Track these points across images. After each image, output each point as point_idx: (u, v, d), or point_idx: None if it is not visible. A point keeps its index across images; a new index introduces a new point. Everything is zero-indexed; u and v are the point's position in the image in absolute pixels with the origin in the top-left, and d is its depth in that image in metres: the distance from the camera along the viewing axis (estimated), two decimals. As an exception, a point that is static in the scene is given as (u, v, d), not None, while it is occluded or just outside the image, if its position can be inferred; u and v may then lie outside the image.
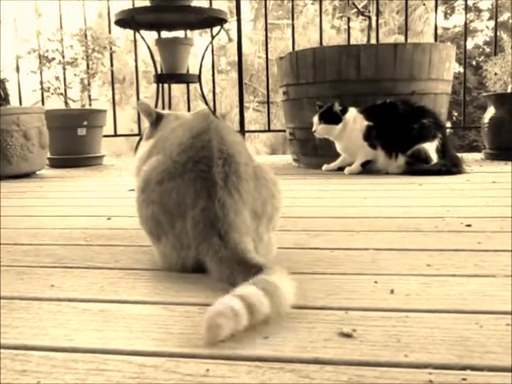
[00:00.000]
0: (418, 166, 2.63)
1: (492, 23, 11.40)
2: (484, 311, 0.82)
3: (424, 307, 0.84)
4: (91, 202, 2.15)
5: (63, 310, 0.87)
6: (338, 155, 2.92)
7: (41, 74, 3.92)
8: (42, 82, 3.92)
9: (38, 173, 3.23)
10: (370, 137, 2.74)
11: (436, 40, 4.14)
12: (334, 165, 2.93)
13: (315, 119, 2.83)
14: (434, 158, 2.66)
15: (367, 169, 2.80)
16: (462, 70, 4.53)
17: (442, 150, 2.68)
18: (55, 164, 3.66)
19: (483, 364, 0.65)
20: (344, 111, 2.78)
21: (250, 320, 0.74)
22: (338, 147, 2.87)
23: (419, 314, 0.82)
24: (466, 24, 4.59)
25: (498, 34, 4.35)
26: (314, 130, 2.83)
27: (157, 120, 1.38)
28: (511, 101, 3.26)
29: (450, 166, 2.64)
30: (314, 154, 3.15)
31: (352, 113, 2.79)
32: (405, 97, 2.85)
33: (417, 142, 2.66)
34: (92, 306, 0.89)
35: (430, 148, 2.66)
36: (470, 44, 12.00)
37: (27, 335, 0.77)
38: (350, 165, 2.84)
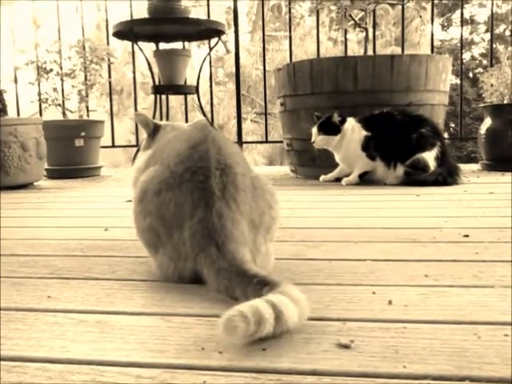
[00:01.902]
0: (415, 177, 2.63)
1: (488, 35, 11.48)
2: (482, 322, 0.82)
3: (422, 318, 0.84)
4: (88, 212, 2.15)
5: (60, 322, 0.86)
6: (335, 166, 2.92)
7: (39, 85, 3.93)
8: (39, 93, 3.93)
9: (35, 184, 3.22)
10: (368, 147, 2.74)
11: (432, 51, 4.17)
12: (331, 175, 2.93)
13: (314, 130, 2.84)
14: (432, 166, 2.66)
15: (366, 179, 2.80)
16: (459, 81, 4.55)
17: (442, 159, 2.69)
18: (53, 175, 3.66)
19: (481, 375, 0.65)
20: (343, 122, 2.78)
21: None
22: (337, 158, 2.87)
23: (417, 324, 0.81)
24: (462, 36, 4.63)
25: (494, 45, 4.38)
26: (312, 140, 2.83)
27: (154, 131, 1.38)
28: (508, 112, 3.27)
29: (445, 175, 2.63)
30: (312, 165, 3.16)
31: (350, 123, 2.79)
32: (402, 107, 2.86)
33: (416, 151, 2.67)
34: (88, 317, 0.88)
35: (429, 157, 2.67)
36: (467, 56, 12.07)
37: (23, 346, 0.77)
38: (347, 175, 2.84)
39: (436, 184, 2.57)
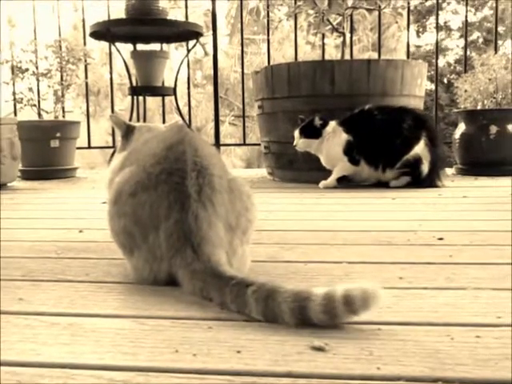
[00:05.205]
0: (408, 175, 2.69)
1: (462, 42, 11.66)
2: (455, 323, 0.83)
3: (396, 320, 0.85)
4: (63, 214, 2.12)
5: (31, 324, 0.85)
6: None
7: (13, 84, 3.87)
8: (14, 93, 3.87)
9: (9, 185, 3.17)
10: (350, 151, 2.75)
11: (408, 57, 4.22)
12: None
13: (296, 133, 2.85)
14: (424, 156, 2.68)
15: (351, 182, 2.81)
16: (434, 87, 4.62)
17: (432, 144, 2.71)
18: (27, 176, 3.60)
19: (454, 376, 0.66)
20: (324, 125, 2.80)
21: None
22: (321, 161, 2.88)
23: (391, 326, 0.82)
24: (437, 42, 4.70)
25: (468, 52, 4.46)
26: (294, 144, 2.84)
27: (129, 132, 1.37)
28: (481, 117, 3.33)
29: (434, 177, 2.70)
30: (289, 168, 3.17)
31: (331, 126, 2.80)
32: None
33: (403, 153, 2.69)
34: (61, 319, 0.87)
35: (418, 150, 2.69)
36: (441, 62, 12.25)
37: (-7, 350, 0.75)
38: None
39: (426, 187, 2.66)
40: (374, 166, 2.75)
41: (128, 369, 0.69)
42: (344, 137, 2.76)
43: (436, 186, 2.69)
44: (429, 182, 2.69)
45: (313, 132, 2.80)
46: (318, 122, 2.78)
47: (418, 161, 2.68)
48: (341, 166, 2.79)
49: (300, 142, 2.82)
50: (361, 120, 2.76)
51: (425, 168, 2.69)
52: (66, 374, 0.67)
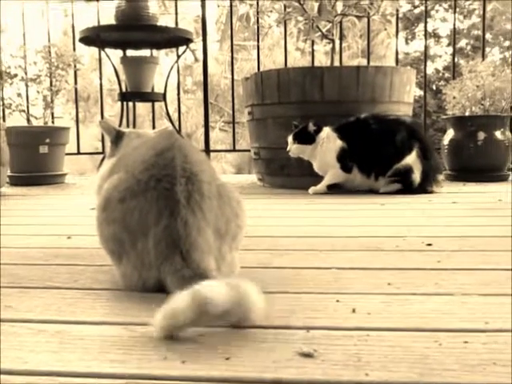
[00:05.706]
0: (400, 183, 2.71)
1: (450, 49, 11.75)
2: (443, 329, 0.83)
3: (385, 326, 0.85)
4: (52, 220, 2.10)
5: (18, 332, 0.84)
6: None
7: (2, 90, 3.85)
8: (2, 99, 3.86)
9: (-3, 191, 3.15)
10: (343, 158, 2.76)
11: (397, 64, 4.25)
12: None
13: (290, 139, 2.85)
14: (416, 168, 2.70)
15: (342, 187, 2.82)
16: (422, 93, 4.66)
17: (424, 155, 2.72)
18: (16, 182, 3.58)
19: (442, 382, 0.66)
20: (318, 131, 2.80)
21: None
22: (314, 167, 2.89)
23: (380, 332, 0.82)
24: (425, 49, 4.74)
25: (456, 59, 4.50)
26: (288, 149, 2.85)
27: (118, 138, 1.36)
28: (469, 124, 3.36)
29: (426, 184, 2.72)
30: (280, 174, 3.17)
31: (325, 131, 2.81)
32: (377, 113, 2.88)
33: (394, 162, 2.71)
34: (49, 326, 0.86)
35: (410, 160, 2.70)
36: (429, 69, 12.33)
37: (-21, 358, 0.74)
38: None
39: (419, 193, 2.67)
40: (367, 174, 2.76)
41: (116, 376, 0.68)
42: (338, 143, 2.77)
43: (428, 192, 2.71)
44: (421, 190, 2.70)
45: (306, 138, 2.81)
46: (312, 127, 2.79)
47: (408, 170, 2.70)
48: (333, 173, 2.80)
49: (293, 148, 2.83)
50: (356, 128, 2.77)
51: (416, 177, 2.70)
52: (54, 382, 0.67)
